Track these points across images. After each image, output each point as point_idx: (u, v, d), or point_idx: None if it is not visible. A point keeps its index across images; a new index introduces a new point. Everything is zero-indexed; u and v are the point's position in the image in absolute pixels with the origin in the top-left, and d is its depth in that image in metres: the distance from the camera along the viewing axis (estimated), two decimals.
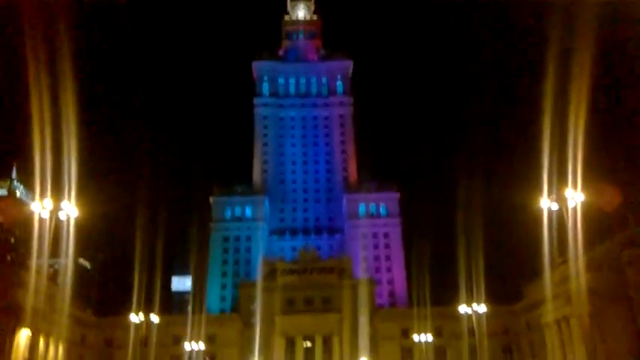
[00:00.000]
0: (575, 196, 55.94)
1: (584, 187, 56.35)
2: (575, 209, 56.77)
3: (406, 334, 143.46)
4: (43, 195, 59.08)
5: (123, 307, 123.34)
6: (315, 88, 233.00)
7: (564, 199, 57.34)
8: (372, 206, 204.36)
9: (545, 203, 61.46)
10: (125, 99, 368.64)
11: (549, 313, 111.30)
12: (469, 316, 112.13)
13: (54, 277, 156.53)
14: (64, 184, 63.13)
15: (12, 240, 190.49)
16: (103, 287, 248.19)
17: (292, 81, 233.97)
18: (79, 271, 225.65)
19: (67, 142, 67.61)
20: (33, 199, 62.76)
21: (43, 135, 62.75)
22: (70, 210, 60.01)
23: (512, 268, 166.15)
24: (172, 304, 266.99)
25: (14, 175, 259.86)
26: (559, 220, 65.91)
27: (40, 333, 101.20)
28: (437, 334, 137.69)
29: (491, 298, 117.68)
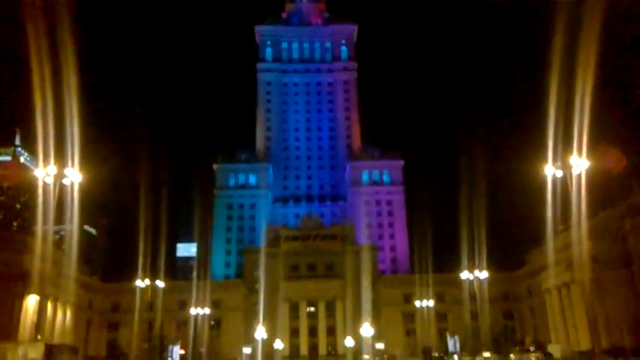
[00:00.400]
0: (580, 163, 55.61)
1: (590, 153, 55.95)
2: (579, 176, 56.53)
3: (408, 299, 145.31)
4: (46, 161, 59.15)
5: (129, 272, 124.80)
6: (319, 53, 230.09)
7: (569, 165, 57.06)
8: (375, 174, 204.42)
9: (550, 170, 61.19)
10: (128, 65, 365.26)
11: (551, 279, 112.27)
12: (470, 283, 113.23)
13: (60, 243, 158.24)
14: (68, 150, 63.08)
15: (17, 206, 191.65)
16: (110, 253, 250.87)
17: (296, 45, 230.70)
18: (85, 238, 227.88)
19: (70, 108, 67.32)
20: (37, 166, 62.94)
21: (45, 101, 62.43)
22: (74, 176, 60.16)
23: (513, 235, 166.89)
24: (177, 271, 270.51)
25: (18, 141, 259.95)
26: (562, 187, 65.83)
27: (47, 298, 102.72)
28: (438, 300, 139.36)
29: (493, 265, 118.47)
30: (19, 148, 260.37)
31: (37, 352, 55.46)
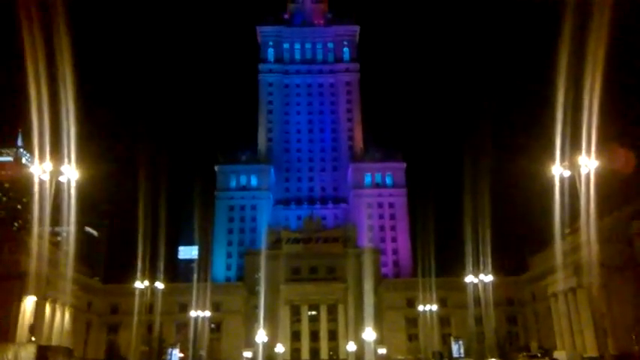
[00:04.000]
0: (589, 163, 54.09)
1: (598, 152, 54.40)
2: (587, 176, 54.99)
3: (411, 303, 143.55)
4: (42, 158, 57.98)
5: (130, 274, 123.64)
6: (321, 54, 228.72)
7: (577, 165, 55.52)
8: (377, 176, 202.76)
9: (557, 170, 59.68)
10: (130, 65, 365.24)
11: (557, 284, 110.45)
12: (474, 286, 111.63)
13: (62, 245, 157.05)
14: (64, 149, 61.97)
15: (18, 207, 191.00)
16: (111, 255, 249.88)
17: (298, 46, 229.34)
18: (87, 239, 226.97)
19: (66, 106, 66.21)
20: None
21: (40, 98, 61.26)
22: (71, 173, 58.96)
23: (516, 238, 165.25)
24: (179, 273, 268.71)
25: (20, 142, 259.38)
26: (569, 189, 64.32)
27: (45, 299, 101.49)
28: (441, 304, 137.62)
29: (497, 269, 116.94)
30: (21, 149, 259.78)
31: (28, 353, 53.92)
